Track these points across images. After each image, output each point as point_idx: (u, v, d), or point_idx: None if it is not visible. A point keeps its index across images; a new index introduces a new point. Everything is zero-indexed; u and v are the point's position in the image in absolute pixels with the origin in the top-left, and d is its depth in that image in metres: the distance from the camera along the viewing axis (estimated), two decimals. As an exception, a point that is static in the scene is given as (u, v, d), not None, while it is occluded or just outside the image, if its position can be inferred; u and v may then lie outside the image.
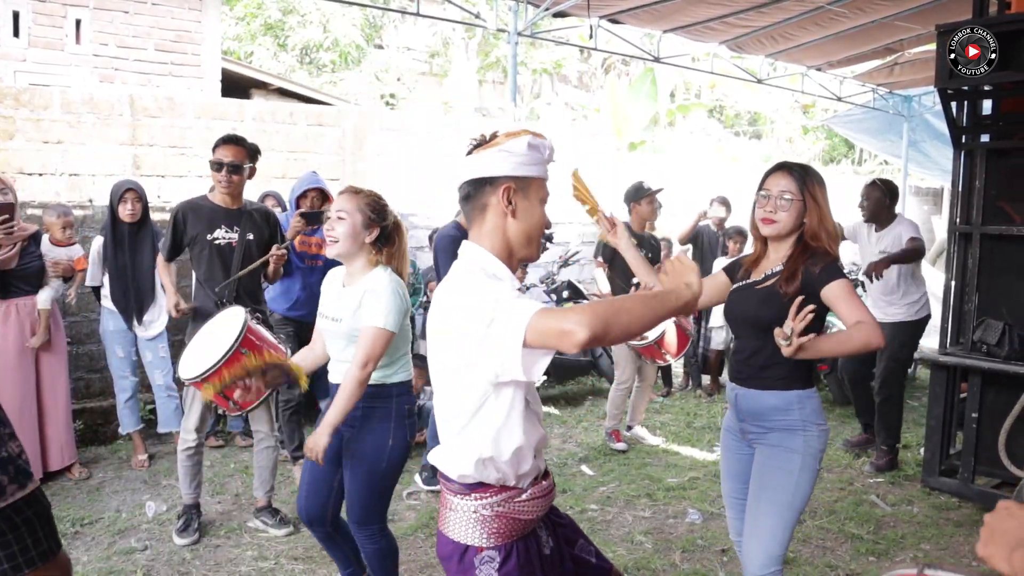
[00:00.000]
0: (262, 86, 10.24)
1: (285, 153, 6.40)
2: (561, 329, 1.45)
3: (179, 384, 4.48)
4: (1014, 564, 1.00)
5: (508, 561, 1.69)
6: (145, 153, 5.78)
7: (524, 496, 1.72)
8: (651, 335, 4.72)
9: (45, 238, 4.51)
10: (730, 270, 2.63)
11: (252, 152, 3.77)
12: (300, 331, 4.39)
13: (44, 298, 4.31)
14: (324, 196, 4.44)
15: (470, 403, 1.66)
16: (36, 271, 4.31)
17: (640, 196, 5.11)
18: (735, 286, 2.55)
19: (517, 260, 1.76)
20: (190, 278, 4.12)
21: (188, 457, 3.75)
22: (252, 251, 3.76)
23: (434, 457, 1.79)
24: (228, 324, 3.23)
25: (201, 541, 3.70)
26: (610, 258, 5.16)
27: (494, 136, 1.74)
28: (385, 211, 2.76)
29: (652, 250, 5.25)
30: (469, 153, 1.74)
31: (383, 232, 2.73)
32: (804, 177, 2.40)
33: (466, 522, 1.71)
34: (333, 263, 4.35)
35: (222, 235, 3.72)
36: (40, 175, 5.40)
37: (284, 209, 5.22)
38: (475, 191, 1.72)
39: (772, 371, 2.41)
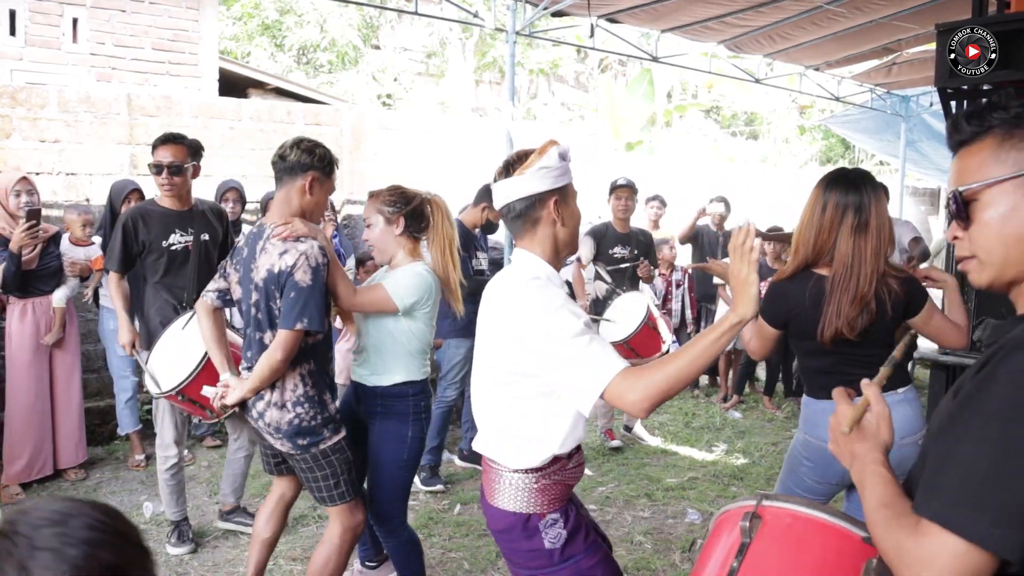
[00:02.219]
0: (259, 86, 10.21)
1: (283, 152, 6.38)
2: (625, 401, 1.62)
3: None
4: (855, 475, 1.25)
5: (569, 521, 1.86)
6: (142, 152, 5.76)
7: (571, 464, 1.90)
8: (622, 335, 4.54)
9: (65, 237, 4.51)
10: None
11: (194, 149, 3.65)
12: None
13: (59, 296, 4.34)
14: None
15: (529, 409, 1.81)
16: (54, 271, 4.35)
17: (611, 190, 5.15)
18: None
19: (562, 257, 1.95)
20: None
21: (172, 476, 3.57)
22: (209, 251, 3.64)
23: (478, 446, 1.93)
24: (194, 332, 3.02)
25: (199, 542, 3.68)
26: (591, 257, 5.11)
27: (523, 156, 1.87)
28: (403, 198, 2.78)
29: (640, 246, 5.18)
30: (507, 175, 1.87)
31: (410, 217, 2.76)
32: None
33: (524, 493, 1.83)
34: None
35: (177, 240, 3.56)
36: (37, 174, 5.37)
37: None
38: (526, 208, 1.86)
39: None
